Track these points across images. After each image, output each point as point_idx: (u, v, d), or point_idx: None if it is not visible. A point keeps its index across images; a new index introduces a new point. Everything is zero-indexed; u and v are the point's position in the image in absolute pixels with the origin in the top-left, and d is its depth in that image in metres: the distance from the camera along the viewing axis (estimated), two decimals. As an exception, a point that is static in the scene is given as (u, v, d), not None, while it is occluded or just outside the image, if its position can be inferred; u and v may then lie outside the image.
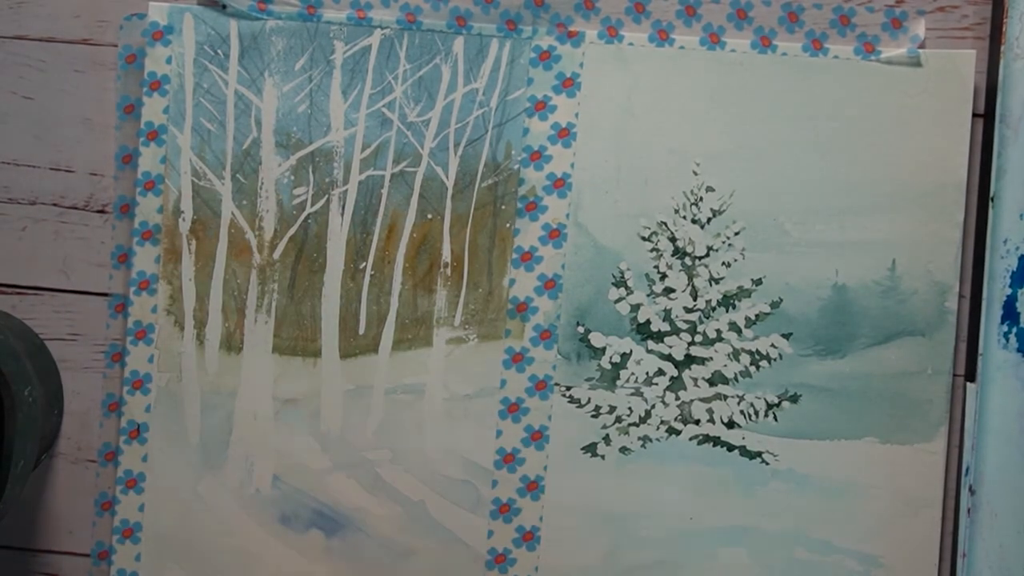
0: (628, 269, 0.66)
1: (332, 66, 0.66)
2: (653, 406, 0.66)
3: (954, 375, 0.64)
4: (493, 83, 0.66)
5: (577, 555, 0.66)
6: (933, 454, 0.64)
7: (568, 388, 0.66)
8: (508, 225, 0.66)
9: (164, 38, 0.66)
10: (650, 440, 0.66)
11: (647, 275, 0.66)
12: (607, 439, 0.66)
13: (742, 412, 0.65)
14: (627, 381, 0.66)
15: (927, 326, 0.64)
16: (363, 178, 0.67)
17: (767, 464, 0.65)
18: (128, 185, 0.68)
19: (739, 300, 0.65)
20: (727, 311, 0.66)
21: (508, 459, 0.66)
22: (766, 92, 0.65)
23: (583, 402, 0.66)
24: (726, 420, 0.65)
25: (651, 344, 0.66)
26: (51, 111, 0.68)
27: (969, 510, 0.63)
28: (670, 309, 0.66)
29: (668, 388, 0.66)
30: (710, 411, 0.65)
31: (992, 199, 0.62)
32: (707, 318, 0.66)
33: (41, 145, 0.68)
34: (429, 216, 0.66)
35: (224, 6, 0.66)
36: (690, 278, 0.66)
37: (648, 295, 0.66)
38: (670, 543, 0.65)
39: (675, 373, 0.66)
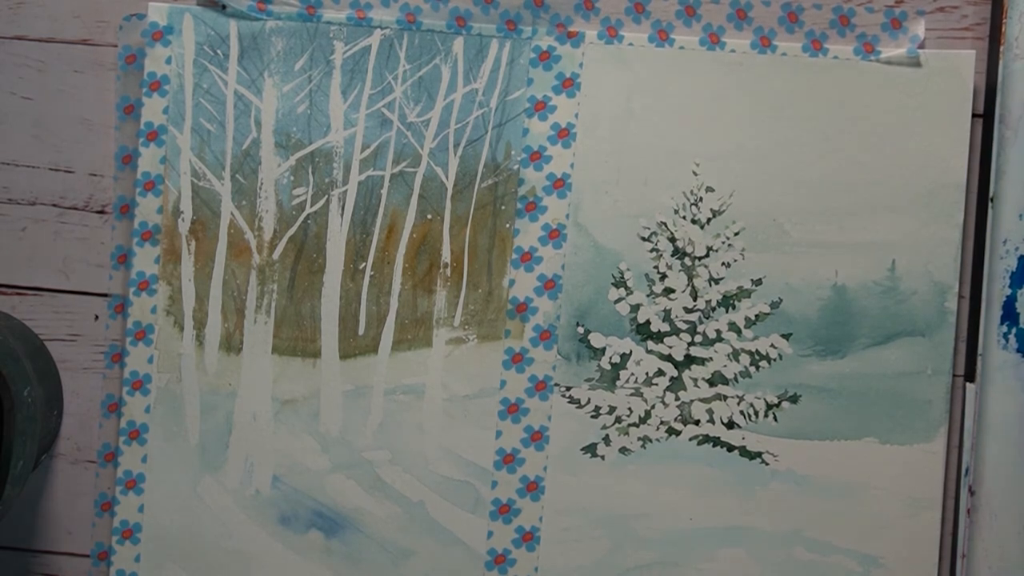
0: (628, 269, 0.66)
1: (332, 66, 0.66)
2: (653, 406, 0.66)
3: (954, 375, 0.64)
4: (493, 83, 0.66)
5: (577, 555, 0.66)
6: (933, 454, 0.64)
7: (568, 388, 0.66)
8: (508, 225, 0.66)
9: (164, 38, 0.66)
10: (650, 440, 0.66)
11: (647, 275, 0.66)
12: (607, 439, 0.66)
13: (742, 412, 0.65)
14: (627, 381, 0.66)
15: (927, 326, 0.64)
16: (363, 178, 0.67)
17: (767, 464, 0.65)
18: (128, 185, 0.68)
19: (739, 300, 0.65)
20: (727, 311, 0.66)
21: (508, 459, 0.66)
22: (766, 92, 0.65)
23: (583, 402, 0.66)
24: (726, 420, 0.65)
25: (651, 344, 0.66)
26: (51, 111, 0.68)
27: (969, 510, 0.63)
28: (670, 309, 0.66)
29: (668, 388, 0.66)
30: (710, 411, 0.65)
31: (992, 199, 0.62)
32: (707, 318, 0.66)
33: (41, 145, 0.68)
34: (429, 216, 0.66)
35: (224, 6, 0.66)
36: (690, 278, 0.66)
37: (648, 295, 0.66)
38: (670, 543, 0.65)
39: (675, 373, 0.66)
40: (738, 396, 0.65)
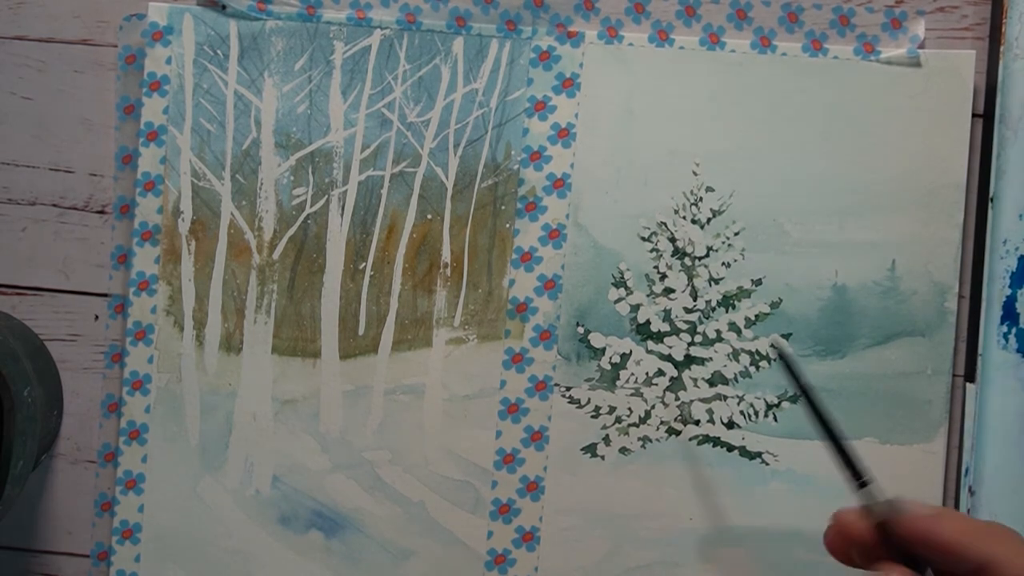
0: (628, 269, 0.66)
1: (332, 66, 0.66)
2: (653, 406, 0.66)
3: (954, 375, 0.64)
4: (493, 83, 0.66)
5: (577, 555, 0.66)
6: (933, 454, 0.64)
7: (568, 388, 0.66)
8: (508, 225, 0.66)
9: (164, 38, 0.66)
10: (650, 440, 0.66)
11: (647, 275, 0.66)
12: (607, 439, 0.66)
13: (742, 412, 0.65)
14: (627, 381, 0.66)
15: (927, 326, 0.64)
16: (363, 178, 0.67)
17: (767, 464, 0.65)
18: (128, 185, 0.68)
19: (739, 300, 0.65)
20: (727, 311, 0.66)
21: (508, 460, 0.66)
22: (766, 92, 0.65)
23: (583, 402, 0.66)
24: (726, 420, 0.65)
25: (651, 344, 0.66)
26: (50, 111, 0.68)
27: (969, 510, 0.63)
28: (670, 309, 0.66)
29: (668, 388, 0.66)
30: (710, 411, 0.65)
31: (992, 199, 0.62)
32: (707, 318, 0.66)
33: (41, 145, 0.68)
34: (429, 216, 0.66)
35: (224, 6, 0.66)
36: (690, 278, 0.66)
37: (648, 295, 0.66)
38: (670, 543, 0.65)
39: (675, 373, 0.66)
40: (738, 396, 0.65)
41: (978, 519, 0.51)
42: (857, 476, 0.50)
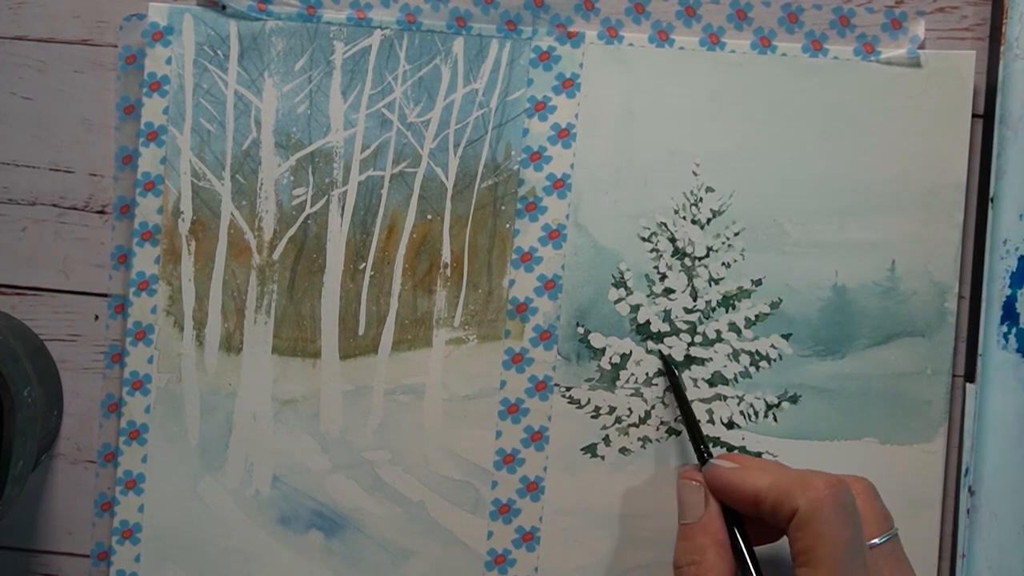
0: (628, 270, 0.66)
1: (332, 67, 0.66)
2: (653, 407, 0.66)
3: (954, 376, 0.64)
4: (493, 84, 0.66)
5: (577, 556, 0.66)
6: (932, 455, 0.64)
7: (568, 389, 0.66)
8: (508, 226, 0.66)
9: (164, 39, 0.66)
10: (650, 441, 0.66)
11: (647, 276, 0.66)
12: (607, 440, 0.66)
13: (742, 413, 0.65)
14: (627, 382, 0.66)
15: (927, 327, 0.64)
16: (363, 179, 0.67)
17: (767, 465, 0.65)
18: (128, 185, 0.68)
19: (739, 301, 0.65)
20: (727, 312, 0.66)
21: (508, 460, 0.66)
22: (766, 92, 0.65)
23: (583, 403, 0.66)
24: (726, 421, 0.65)
25: (651, 344, 0.66)
26: (50, 111, 0.68)
27: (969, 511, 0.63)
28: (670, 310, 0.66)
29: (668, 389, 0.66)
30: (710, 412, 0.65)
31: (992, 200, 0.62)
32: (707, 319, 0.66)
33: (41, 145, 0.68)
34: (429, 217, 0.66)
35: (224, 7, 0.66)
36: (690, 279, 0.66)
37: (648, 296, 0.66)
38: (670, 543, 0.65)
39: (675, 374, 0.66)
40: (738, 396, 0.65)
41: (780, 466, 0.55)
42: (702, 453, 0.60)
